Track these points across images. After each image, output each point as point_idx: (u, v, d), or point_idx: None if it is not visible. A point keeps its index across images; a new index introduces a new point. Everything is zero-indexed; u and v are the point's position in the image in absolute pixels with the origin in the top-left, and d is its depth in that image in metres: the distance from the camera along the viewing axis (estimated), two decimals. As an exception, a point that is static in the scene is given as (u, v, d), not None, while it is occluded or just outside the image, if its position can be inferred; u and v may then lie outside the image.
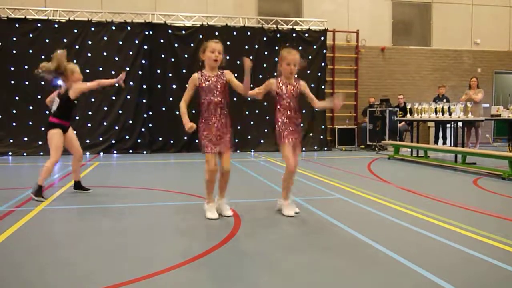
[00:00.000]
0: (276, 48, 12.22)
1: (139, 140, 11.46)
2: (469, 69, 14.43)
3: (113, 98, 11.31)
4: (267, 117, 11.87)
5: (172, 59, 11.53)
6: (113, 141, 11.30)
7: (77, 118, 11.09)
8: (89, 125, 11.18)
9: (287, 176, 4.41)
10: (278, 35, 12.19)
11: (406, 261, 3.00)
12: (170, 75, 11.52)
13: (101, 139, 11.24)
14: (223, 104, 4.27)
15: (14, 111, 10.79)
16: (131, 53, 11.34)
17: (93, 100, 11.20)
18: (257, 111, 11.91)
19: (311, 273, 2.83)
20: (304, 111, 11.91)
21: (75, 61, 11.05)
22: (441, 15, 14.42)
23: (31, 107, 10.74)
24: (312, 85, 12.33)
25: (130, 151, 11.29)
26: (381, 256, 3.15)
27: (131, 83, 11.38)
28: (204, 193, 4.45)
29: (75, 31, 11.11)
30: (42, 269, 2.93)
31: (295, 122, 4.42)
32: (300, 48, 12.30)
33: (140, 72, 11.41)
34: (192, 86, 4.27)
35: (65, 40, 11.03)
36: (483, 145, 12.61)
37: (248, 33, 11.98)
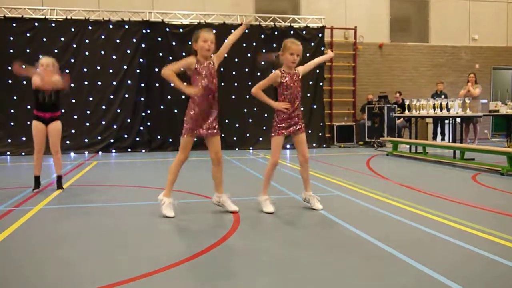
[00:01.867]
0: (274, 45, 12.22)
1: (137, 139, 11.45)
2: (467, 65, 14.43)
3: (111, 97, 11.29)
4: (266, 115, 11.86)
5: (170, 57, 11.45)
6: (112, 140, 11.28)
7: (75, 117, 11.11)
8: (88, 124, 11.16)
9: (270, 170, 4.50)
10: (276, 33, 12.16)
11: (406, 257, 3.00)
12: (168, 73, 11.49)
13: (99, 138, 11.23)
14: (215, 90, 4.31)
15: (12, 111, 10.76)
16: (128, 51, 11.31)
17: (91, 99, 11.19)
18: (255, 109, 11.90)
19: (310, 270, 2.83)
20: (302, 109, 11.92)
21: (72, 60, 11.10)
22: (438, 11, 14.42)
23: (29, 107, 10.69)
24: (310, 82, 12.32)
25: (129, 150, 11.28)
26: (381, 253, 3.15)
27: (129, 81, 11.37)
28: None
29: (73, 30, 11.08)
30: (42, 269, 2.93)
31: (295, 112, 4.45)
32: (298, 45, 12.29)
33: (138, 71, 11.38)
34: (183, 65, 4.27)
35: (62, 39, 11.02)
36: (481, 141, 12.64)
37: (246, 31, 11.87)
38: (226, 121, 11.35)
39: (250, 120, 11.98)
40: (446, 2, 14.47)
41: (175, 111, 11.42)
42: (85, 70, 11.18)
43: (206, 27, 11.22)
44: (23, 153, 10.57)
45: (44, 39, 10.86)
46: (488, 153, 7.91)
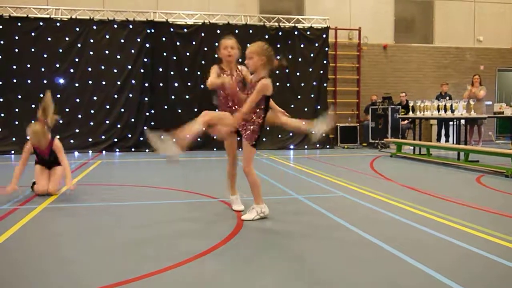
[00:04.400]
0: (278, 46, 12.23)
1: (141, 138, 11.44)
2: (472, 67, 14.38)
3: (115, 96, 11.32)
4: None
5: (174, 57, 11.53)
6: (116, 140, 11.32)
7: (80, 116, 11.15)
8: (92, 123, 11.19)
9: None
10: (280, 33, 12.17)
11: (409, 259, 3.00)
12: (172, 73, 11.52)
13: (103, 137, 11.26)
14: (236, 101, 4.23)
15: (17, 110, 10.80)
16: (133, 51, 11.34)
17: (95, 98, 11.22)
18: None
19: (313, 271, 2.83)
20: (306, 109, 11.93)
21: (77, 60, 11.15)
22: (443, 12, 14.38)
23: (33, 106, 10.69)
24: (314, 83, 12.32)
25: (133, 149, 11.31)
26: (384, 254, 3.14)
27: (133, 81, 11.39)
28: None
29: (77, 29, 11.12)
30: (43, 268, 2.94)
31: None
32: (302, 45, 12.30)
33: (142, 71, 11.41)
34: (214, 73, 4.21)
35: (67, 39, 11.06)
36: (485, 143, 12.59)
37: (250, 31, 11.94)
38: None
39: (254, 121, 11.96)
40: (451, 3, 14.42)
41: (179, 111, 11.44)
42: (90, 69, 11.22)
43: (210, 27, 11.36)
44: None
45: (49, 39, 10.90)
46: (492, 155, 7.88)
